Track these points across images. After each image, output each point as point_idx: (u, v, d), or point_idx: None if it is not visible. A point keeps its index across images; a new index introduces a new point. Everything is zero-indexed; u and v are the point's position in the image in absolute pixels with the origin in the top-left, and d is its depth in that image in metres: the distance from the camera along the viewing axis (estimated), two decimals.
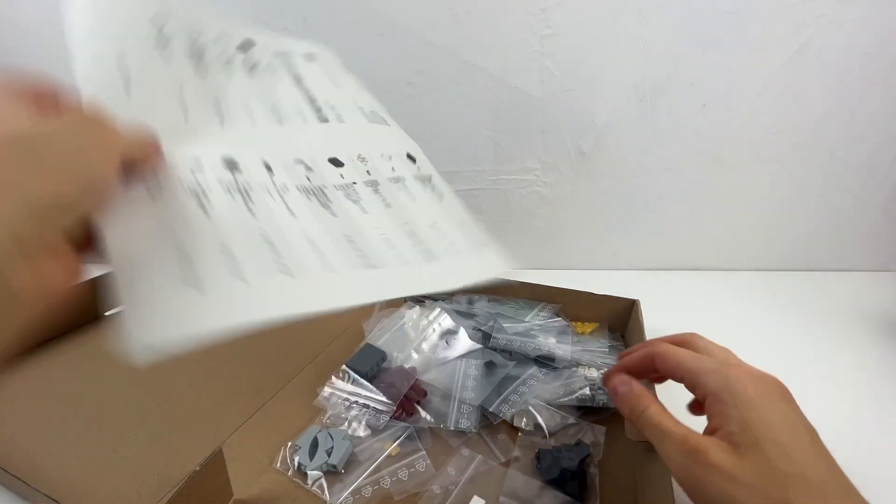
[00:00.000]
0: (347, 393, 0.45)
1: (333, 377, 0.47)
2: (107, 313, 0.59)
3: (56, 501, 0.34)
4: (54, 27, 0.65)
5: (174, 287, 0.22)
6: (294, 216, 0.29)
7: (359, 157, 0.35)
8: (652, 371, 0.30)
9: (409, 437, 0.40)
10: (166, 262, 0.22)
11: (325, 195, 0.32)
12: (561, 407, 0.43)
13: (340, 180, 0.33)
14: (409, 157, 0.40)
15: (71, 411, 0.44)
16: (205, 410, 0.45)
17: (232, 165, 0.28)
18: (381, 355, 0.49)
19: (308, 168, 0.32)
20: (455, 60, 0.64)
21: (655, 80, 0.62)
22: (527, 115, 0.66)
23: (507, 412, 0.42)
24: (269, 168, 0.30)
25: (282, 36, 0.40)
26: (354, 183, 0.34)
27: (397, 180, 0.37)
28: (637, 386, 0.29)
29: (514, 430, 0.42)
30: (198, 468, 0.31)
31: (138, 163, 0.20)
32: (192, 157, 0.26)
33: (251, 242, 0.26)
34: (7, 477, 0.37)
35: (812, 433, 0.24)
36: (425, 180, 0.40)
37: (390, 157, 0.38)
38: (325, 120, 0.36)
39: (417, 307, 0.58)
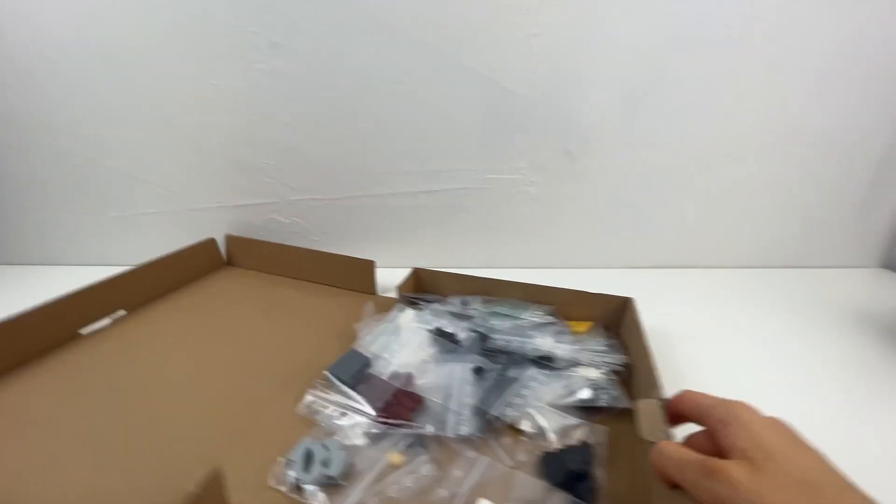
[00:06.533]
0: (333, 401, 0.44)
1: (318, 384, 0.46)
2: (82, 331, 0.56)
3: None
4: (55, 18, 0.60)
5: None
6: None
7: None
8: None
9: (410, 445, 0.39)
10: None
11: None
12: (563, 408, 0.42)
13: None
14: None
15: (47, 434, 0.41)
16: (189, 427, 0.43)
17: None
18: (365, 361, 0.48)
19: None
20: (443, 60, 0.63)
21: (640, 81, 0.63)
22: (514, 115, 0.66)
23: (509, 415, 0.42)
24: None
25: None
26: None
27: None
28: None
29: (517, 433, 0.41)
30: (197, 490, 0.29)
31: None
32: None
33: None
34: None
35: (817, 451, 0.24)
36: None
37: None
38: None
39: (410, 310, 0.57)
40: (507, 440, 0.41)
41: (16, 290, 0.54)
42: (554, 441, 0.40)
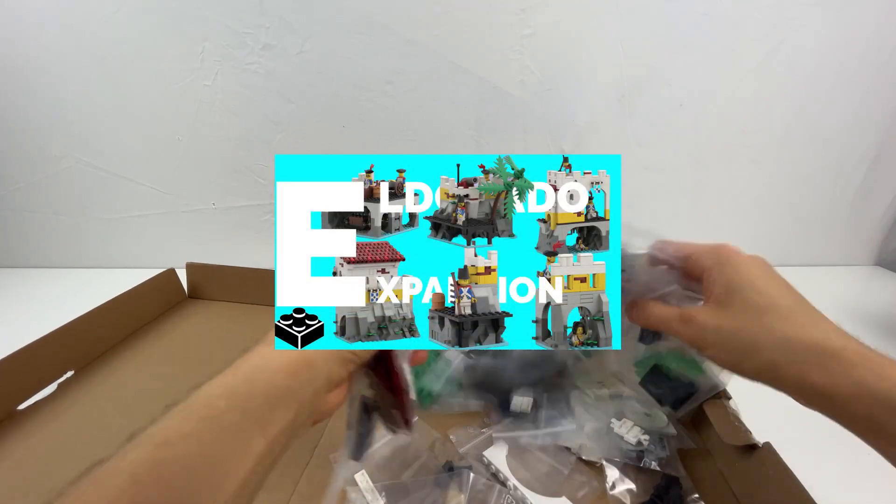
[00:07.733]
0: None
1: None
2: (20, 407, 0.44)
3: None
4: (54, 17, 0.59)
5: None
6: None
7: None
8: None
9: None
10: None
11: None
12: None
13: None
14: None
15: None
16: None
17: None
18: None
19: None
20: (435, 59, 0.62)
21: (633, 80, 0.64)
22: (508, 114, 0.65)
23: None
24: None
25: None
26: None
27: None
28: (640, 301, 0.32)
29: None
30: None
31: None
32: None
33: None
34: None
35: (787, 283, 0.29)
36: None
37: None
38: None
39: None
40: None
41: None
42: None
